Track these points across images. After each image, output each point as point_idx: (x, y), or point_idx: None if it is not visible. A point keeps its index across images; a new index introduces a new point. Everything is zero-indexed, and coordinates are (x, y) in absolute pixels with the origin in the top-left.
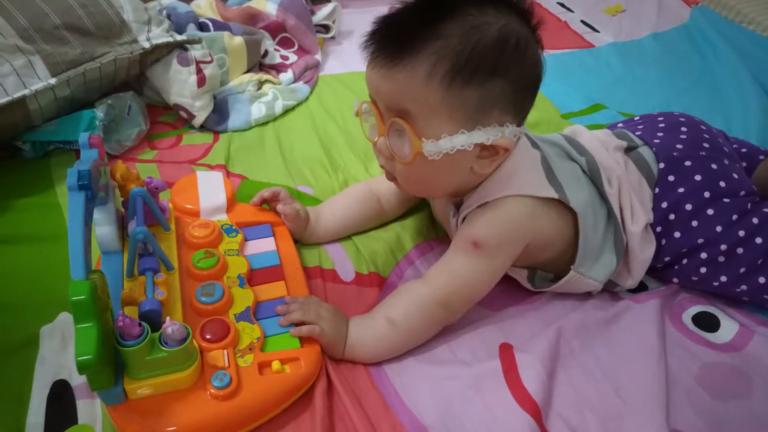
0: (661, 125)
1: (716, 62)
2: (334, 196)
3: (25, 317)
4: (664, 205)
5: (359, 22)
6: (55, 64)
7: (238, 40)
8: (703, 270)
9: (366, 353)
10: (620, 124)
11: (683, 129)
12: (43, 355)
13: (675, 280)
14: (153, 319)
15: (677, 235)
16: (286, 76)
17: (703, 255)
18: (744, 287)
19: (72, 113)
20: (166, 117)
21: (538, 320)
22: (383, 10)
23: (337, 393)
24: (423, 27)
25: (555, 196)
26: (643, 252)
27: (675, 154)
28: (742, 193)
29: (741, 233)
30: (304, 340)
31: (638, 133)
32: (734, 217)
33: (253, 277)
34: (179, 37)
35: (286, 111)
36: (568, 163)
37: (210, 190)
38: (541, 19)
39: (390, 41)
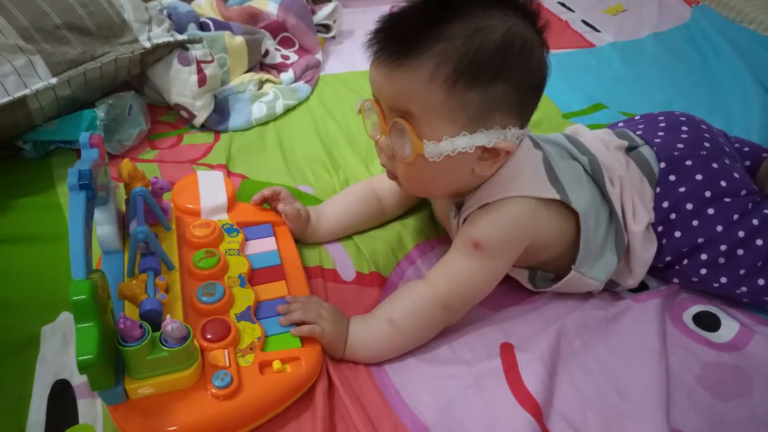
0: (662, 125)
1: (717, 62)
2: (335, 196)
3: (26, 317)
4: (665, 204)
5: (360, 22)
6: (55, 63)
7: (239, 39)
8: (703, 271)
9: (366, 353)
10: (621, 124)
11: (684, 128)
12: (44, 354)
13: (675, 280)
14: (153, 319)
15: (678, 234)
16: (287, 75)
17: (704, 256)
18: (744, 289)
19: (73, 113)
20: (166, 117)
21: (538, 320)
22: (384, 9)
23: (338, 393)
24: (427, 27)
25: (556, 197)
26: (645, 252)
27: (676, 153)
28: (744, 192)
29: (741, 234)
30: (304, 339)
31: (639, 132)
32: (735, 216)
33: (254, 277)
34: (180, 37)
35: (287, 111)
36: (570, 163)
37: (211, 190)
38: (547, 21)
39: (394, 41)
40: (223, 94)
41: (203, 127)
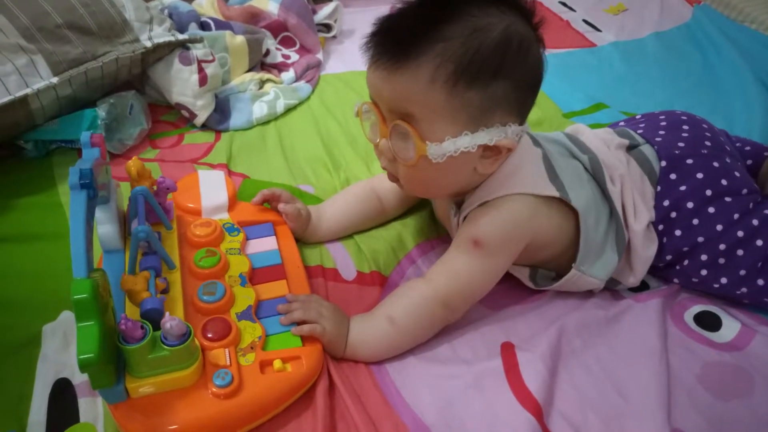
0: (663, 124)
1: (718, 61)
2: (335, 195)
3: (27, 316)
4: (666, 203)
5: (361, 21)
6: (57, 63)
7: (240, 39)
8: (704, 272)
9: (367, 352)
10: (622, 123)
11: (685, 127)
12: (45, 353)
13: (676, 280)
14: (154, 318)
15: (678, 233)
16: (288, 75)
17: (704, 257)
18: (744, 290)
19: (74, 112)
20: (167, 116)
21: (539, 319)
22: (385, 9)
23: (339, 392)
24: (425, 29)
25: (556, 194)
26: (646, 250)
27: (677, 152)
28: (744, 191)
29: (740, 234)
30: (305, 338)
31: (640, 131)
32: (735, 216)
33: (255, 276)
34: (181, 36)
35: (288, 110)
36: (570, 161)
37: (212, 189)
38: (543, 18)
39: (391, 44)
40: (224, 93)
41: (204, 126)
